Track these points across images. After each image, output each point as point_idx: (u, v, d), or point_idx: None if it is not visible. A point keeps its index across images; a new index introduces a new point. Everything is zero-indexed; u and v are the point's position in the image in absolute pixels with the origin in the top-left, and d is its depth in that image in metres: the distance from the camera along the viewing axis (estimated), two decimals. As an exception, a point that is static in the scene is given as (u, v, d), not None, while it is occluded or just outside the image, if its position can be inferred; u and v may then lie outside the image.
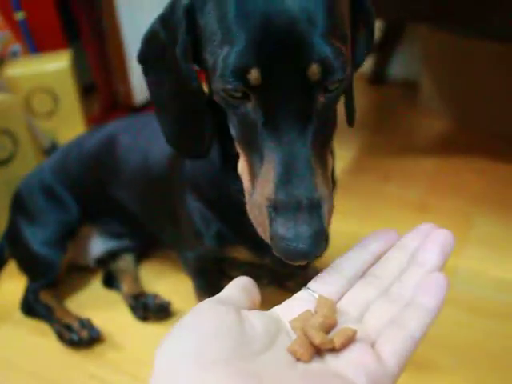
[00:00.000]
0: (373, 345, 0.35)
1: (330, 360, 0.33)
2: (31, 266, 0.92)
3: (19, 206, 0.94)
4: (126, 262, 0.98)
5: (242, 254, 0.68)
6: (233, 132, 0.48)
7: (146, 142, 0.83)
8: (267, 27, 0.41)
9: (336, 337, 0.34)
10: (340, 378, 0.31)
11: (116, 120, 0.97)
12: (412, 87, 1.60)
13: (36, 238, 0.89)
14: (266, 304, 0.53)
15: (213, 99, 0.48)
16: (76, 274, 0.97)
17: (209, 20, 0.45)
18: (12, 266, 0.97)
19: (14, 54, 1.30)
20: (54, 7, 1.32)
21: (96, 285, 0.96)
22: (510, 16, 0.97)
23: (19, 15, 1.27)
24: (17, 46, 1.30)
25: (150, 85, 0.55)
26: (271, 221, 0.41)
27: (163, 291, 0.91)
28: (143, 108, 1.53)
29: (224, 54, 0.42)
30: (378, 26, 1.56)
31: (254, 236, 0.62)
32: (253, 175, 0.45)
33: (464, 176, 1.20)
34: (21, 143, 1.09)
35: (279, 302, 0.40)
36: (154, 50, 0.53)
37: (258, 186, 0.44)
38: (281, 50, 0.41)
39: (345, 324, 0.36)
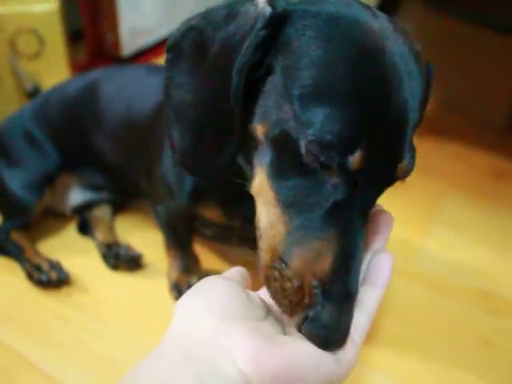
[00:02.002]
0: None
1: None
2: (6, 206, 0.92)
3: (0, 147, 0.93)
4: (102, 211, 0.99)
5: (212, 213, 0.68)
6: (275, 181, 0.42)
7: (132, 93, 0.82)
8: (384, 108, 0.38)
9: None
10: None
11: (101, 68, 0.97)
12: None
13: (14, 179, 0.89)
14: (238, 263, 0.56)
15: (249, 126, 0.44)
16: (52, 219, 0.98)
17: (309, 47, 0.40)
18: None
19: (2, -9, 1.26)
20: None
21: (70, 231, 0.97)
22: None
23: (9, -49, 1.23)
24: (5, -17, 1.26)
25: (169, 80, 0.49)
26: (316, 303, 0.38)
27: (137, 243, 0.92)
28: (130, 59, 1.51)
29: (328, 113, 0.37)
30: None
31: (230, 196, 0.63)
32: (291, 238, 0.40)
33: (440, 158, 1.22)
34: (3, 83, 1.07)
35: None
36: (191, 47, 0.47)
37: (303, 256, 0.40)
38: (386, 137, 0.39)
39: None
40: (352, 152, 0.38)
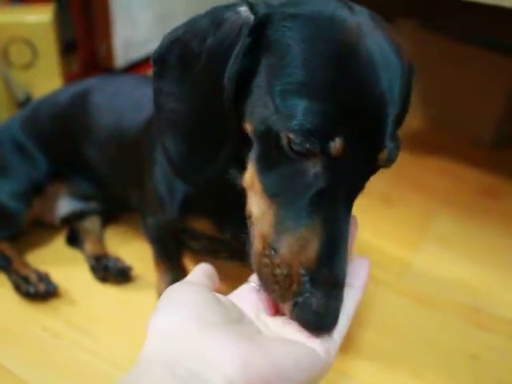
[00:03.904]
0: None
1: (285, 334, 0.40)
2: (-6, 217, 0.92)
3: None
4: (91, 222, 0.98)
5: (203, 226, 0.68)
6: (262, 174, 0.44)
7: (122, 103, 0.83)
8: (361, 100, 0.40)
9: None
10: (299, 343, 0.38)
11: (92, 77, 0.97)
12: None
13: (2, 189, 0.89)
14: (231, 277, 0.56)
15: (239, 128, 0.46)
16: (40, 230, 0.97)
17: (289, 47, 0.42)
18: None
19: (-4, 1, 1.27)
20: (41, -43, 1.29)
21: (59, 242, 0.96)
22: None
23: (4, -39, 1.24)
24: (-1, -7, 1.27)
25: (158, 91, 0.51)
26: (304, 291, 0.40)
27: (126, 255, 0.91)
28: (123, 71, 1.51)
29: (307, 106, 0.39)
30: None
31: (222, 209, 0.63)
32: (280, 227, 0.42)
33: (430, 175, 1.23)
34: (-6, 92, 1.07)
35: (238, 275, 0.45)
36: (177, 58, 0.49)
37: (291, 244, 0.41)
38: (366, 128, 0.40)
39: None
40: (332, 138, 0.39)
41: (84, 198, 0.97)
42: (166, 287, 0.82)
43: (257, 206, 0.45)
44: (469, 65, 1.32)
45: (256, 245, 0.44)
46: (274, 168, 0.43)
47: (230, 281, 0.46)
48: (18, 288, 0.83)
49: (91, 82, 0.91)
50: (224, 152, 0.49)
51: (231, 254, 0.78)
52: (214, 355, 0.34)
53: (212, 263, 0.49)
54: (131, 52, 1.52)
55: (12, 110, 1.19)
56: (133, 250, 0.94)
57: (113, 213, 1.02)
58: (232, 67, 0.44)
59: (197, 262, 0.89)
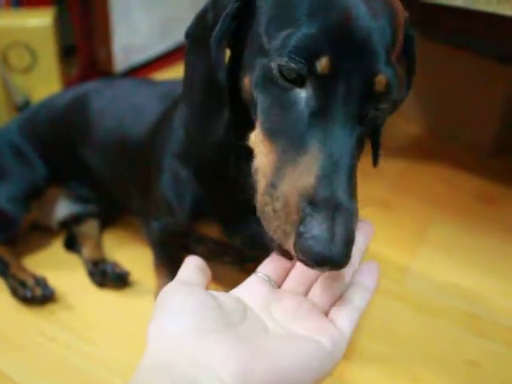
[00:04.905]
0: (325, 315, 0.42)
1: (294, 326, 0.40)
2: (-9, 220, 0.91)
3: None
4: (89, 226, 0.98)
5: (212, 230, 0.68)
6: (261, 114, 0.45)
7: (124, 107, 0.83)
8: (346, 24, 0.41)
9: None
10: (306, 338, 0.38)
11: (90, 81, 0.97)
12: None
13: (0, 193, 0.88)
14: (226, 282, 0.55)
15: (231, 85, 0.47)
16: (38, 234, 0.97)
17: None
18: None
19: (-4, 5, 1.27)
20: (41, -38, 1.29)
21: (57, 246, 0.96)
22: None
23: (5, -34, 1.24)
24: (-1, -2, 1.27)
25: (187, 65, 0.53)
26: (304, 217, 0.37)
27: (124, 260, 0.91)
28: (123, 76, 1.51)
29: (296, 33, 0.41)
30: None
31: (231, 214, 0.64)
32: (279, 163, 0.42)
33: (428, 181, 1.24)
34: (-7, 96, 1.07)
35: (236, 280, 0.45)
36: (199, 30, 0.51)
37: (290, 175, 0.40)
38: (354, 50, 0.41)
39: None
40: (318, 58, 0.40)
41: (82, 200, 0.96)
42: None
43: (259, 152, 0.45)
44: (467, 72, 1.32)
45: (259, 187, 0.43)
46: (272, 106, 0.43)
47: (229, 285, 0.46)
48: (15, 292, 0.82)
49: (90, 86, 0.91)
50: (224, 118, 0.50)
51: (234, 258, 0.78)
52: (210, 361, 0.34)
53: (211, 267, 0.49)
54: (131, 56, 1.52)
55: (11, 114, 1.19)
56: (131, 254, 0.94)
57: (111, 216, 1.01)
58: (217, 31, 0.46)
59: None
